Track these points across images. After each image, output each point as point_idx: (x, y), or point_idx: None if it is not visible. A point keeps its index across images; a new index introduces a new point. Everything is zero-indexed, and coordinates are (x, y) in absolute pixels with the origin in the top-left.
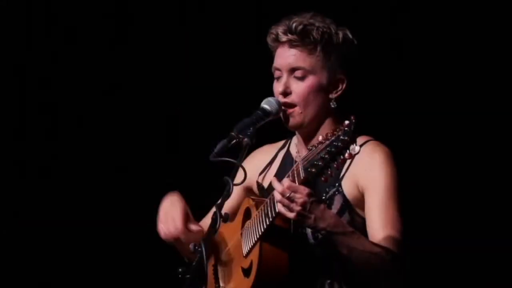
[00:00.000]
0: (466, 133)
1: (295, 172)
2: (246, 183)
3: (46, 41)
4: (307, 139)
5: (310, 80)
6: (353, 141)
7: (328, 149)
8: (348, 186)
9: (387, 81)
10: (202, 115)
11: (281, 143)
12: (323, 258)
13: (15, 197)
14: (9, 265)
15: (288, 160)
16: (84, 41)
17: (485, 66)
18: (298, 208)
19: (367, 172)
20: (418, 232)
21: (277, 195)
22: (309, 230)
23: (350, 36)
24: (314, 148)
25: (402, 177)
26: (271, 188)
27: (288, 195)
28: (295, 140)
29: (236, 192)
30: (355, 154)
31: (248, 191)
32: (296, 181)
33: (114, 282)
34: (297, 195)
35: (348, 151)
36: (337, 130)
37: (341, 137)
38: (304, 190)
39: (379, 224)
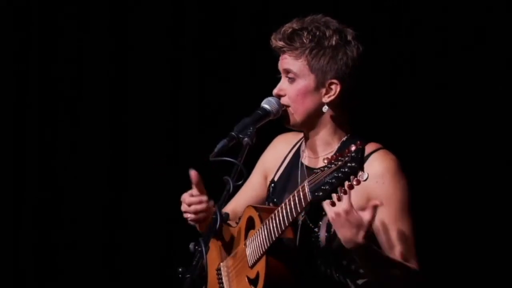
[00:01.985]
0: (468, 137)
1: (301, 193)
2: (264, 171)
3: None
4: (308, 140)
5: (298, 83)
6: (361, 168)
7: (335, 174)
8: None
9: (388, 88)
10: (202, 115)
11: (301, 135)
12: (327, 269)
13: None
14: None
15: (295, 160)
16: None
17: (489, 66)
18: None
19: (379, 184)
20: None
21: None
22: (313, 240)
23: (351, 40)
24: (320, 171)
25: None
26: (279, 185)
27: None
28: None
29: (257, 182)
30: (364, 181)
31: (266, 179)
32: (303, 203)
33: (115, 282)
34: (350, 217)
35: (356, 177)
36: (344, 155)
37: (349, 163)
38: (348, 206)
39: (395, 241)
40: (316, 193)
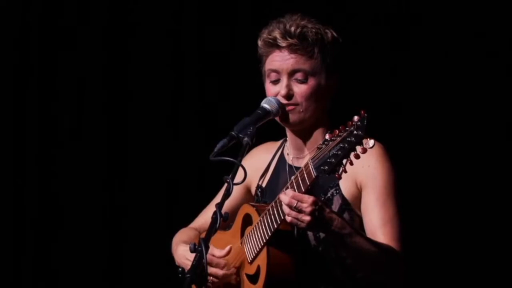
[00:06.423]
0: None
1: (304, 172)
2: (245, 182)
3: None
4: (296, 140)
5: (312, 82)
6: (367, 136)
7: (340, 145)
8: (346, 185)
9: (375, 78)
10: (202, 115)
11: (280, 142)
12: (326, 259)
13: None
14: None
15: (282, 163)
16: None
17: (483, 64)
18: (307, 218)
19: (365, 168)
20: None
21: (285, 209)
22: (310, 232)
23: (335, 34)
24: (324, 146)
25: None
26: (269, 189)
27: (295, 205)
28: (287, 142)
29: (236, 192)
30: (370, 148)
31: (247, 190)
32: (307, 181)
33: (115, 282)
34: (304, 205)
35: (361, 146)
36: (348, 125)
37: (355, 132)
38: (309, 198)
39: (379, 222)
40: (322, 167)
